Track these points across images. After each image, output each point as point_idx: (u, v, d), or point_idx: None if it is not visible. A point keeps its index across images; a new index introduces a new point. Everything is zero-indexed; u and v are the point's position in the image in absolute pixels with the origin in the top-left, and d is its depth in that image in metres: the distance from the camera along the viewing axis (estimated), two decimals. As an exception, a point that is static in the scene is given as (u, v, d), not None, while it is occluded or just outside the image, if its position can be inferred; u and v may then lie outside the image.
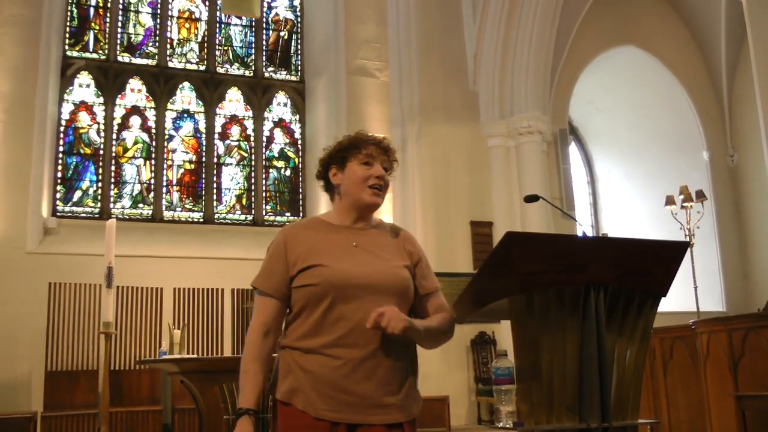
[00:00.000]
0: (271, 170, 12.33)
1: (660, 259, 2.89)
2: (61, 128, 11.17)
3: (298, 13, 13.14)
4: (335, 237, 2.84)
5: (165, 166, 11.70)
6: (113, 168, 11.39)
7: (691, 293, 11.29)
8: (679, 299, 10.86)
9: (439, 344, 2.94)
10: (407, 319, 2.63)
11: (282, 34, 13.00)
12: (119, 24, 11.89)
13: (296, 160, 12.50)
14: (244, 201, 12.12)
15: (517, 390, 2.83)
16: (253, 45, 12.74)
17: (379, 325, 2.57)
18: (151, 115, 11.77)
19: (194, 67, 12.25)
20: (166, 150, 11.75)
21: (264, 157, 12.31)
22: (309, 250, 2.77)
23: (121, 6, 11.95)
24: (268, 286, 2.78)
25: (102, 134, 11.40)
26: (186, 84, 12.11)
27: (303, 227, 2.89)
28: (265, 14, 12.79)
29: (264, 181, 12.23)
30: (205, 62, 12.32)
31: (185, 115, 12.02)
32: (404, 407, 2.74)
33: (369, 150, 2.88)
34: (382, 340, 2.67)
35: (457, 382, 10.45)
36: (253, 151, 12.30)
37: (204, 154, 11.97)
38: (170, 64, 12.07)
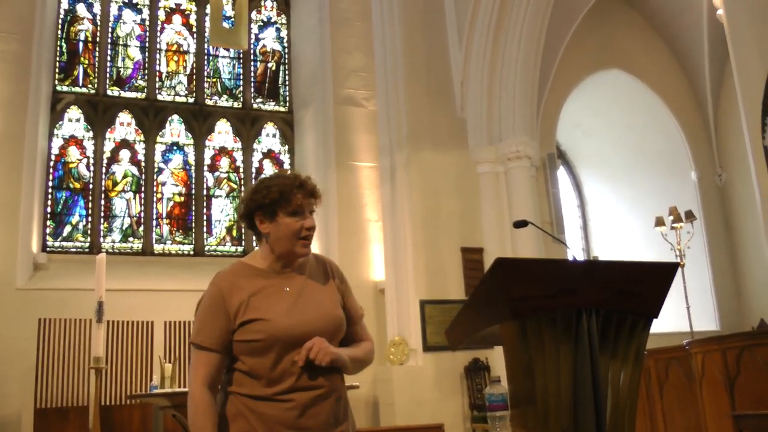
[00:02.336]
0: (261, 201, 12.30)
1: (650, 281, 2.89)
2: (51, 163, 11.18)
3: (286, 45, 13.21)
4: (267, 284, 2.85)
5: (155, 199, 11.70)
6: (103, 202, 11.38)
7: (684, 313, 11.30)
8: (672, 319, 10.89)
9: (360, 370, 3.01)
10: (334, 352, 2.76)
11: (270, 65, 13.05)
12: (108, 58, 11.93)
13: (286, 190, 12.48)
14: (234, 233, 12.11)
15: (512, 416, 2.81)
16: (242, 77, 12.79)
17: (307, 358, 2.71)
18: (140, 148, 11.78)
19: (183, 99, 12.28)
20: (155, 183, 11.75)
21: (253, 188, 12.29)
22: (247, 300, 2.78)
23: (109, 40, 12.01)
24: (210, 341, 2.76)
25: (92, 168, 11.40)
26: (175, 116, 12.14)
27: (234, 276, 2.87)
28: (252, 46, 12.86)
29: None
30: (194, 94, 12.36)
31: (174, 148, 12.03)
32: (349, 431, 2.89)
33: (298, 200, 2.85)
34: (327, 379, 2.78)
35: (451, 409, 10.39)
36: (242, 182, 12.30)
37: (193, 186, 11.97)
38: (159, 97, 12.11)
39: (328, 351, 2.73)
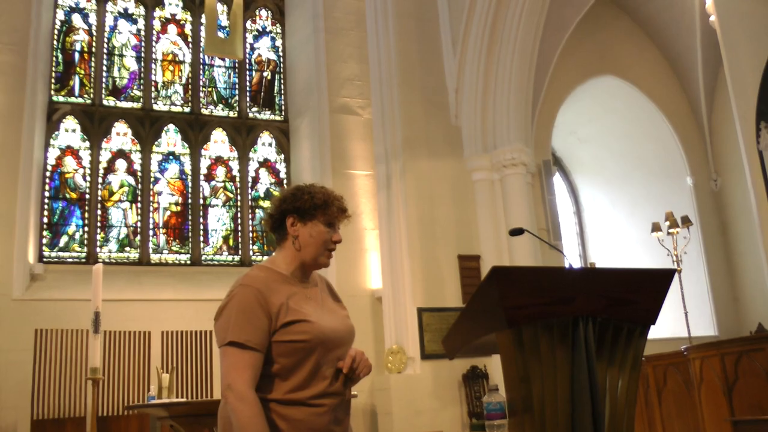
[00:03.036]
0: (257, 210, 12.33)
1: (647, 288, 2.89)
2: (47, 173, 11.16)
3: (281, 54, 13.22)
4: (296, 290, 2.87)
5: (151, 208, 11.69)
6: (99, 212, 11.37)
7: (681, 319, 11.31)
8: (669, 325, 10.91)
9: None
10: (370, 364, 2.87)
11: (265, 74, 13.06)
12: (104, 68, 11.93)
13: (282, 199, 12.47)
14: (230, 242, 12.10)
15: (510, 424, 2.81)
16: (237, 86, 12.80)
17: (350, 368, 2.78)
18: (136, 158, 11.78)
19: (179, 109, 12.28)
20: (152, 193, 11.74)
21: (250, 197, 12.31)
22: (287, 303, 2.78)
23: (105, 50, 12.01)
24: (255, 340, 2.69)
25: (88, 178, 11.39)
26: (171, 126, 12.13)
27: (268, 280, 2.83)
28: (248, 55, 12.88)
29: (250, 222, 12.22)
30: (190, 104, 12.36)
31: (171, 158, 12.03)
32: None
33: (334, 212, 2.92)
34: (348, 388, 2.87)
35: (450, 417, 10.38)
36: (238, 191, 12.30)
37: (190, 195, 11.96)
38: (155, 107, 12.11)
39: (368, 363, 2.84)
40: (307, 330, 2.74)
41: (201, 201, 12.03)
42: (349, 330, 2.92)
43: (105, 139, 11.66)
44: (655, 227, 12.11)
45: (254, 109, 12.82)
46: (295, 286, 2.87)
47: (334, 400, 2.78)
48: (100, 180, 11.48)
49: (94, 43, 11.98)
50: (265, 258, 11.73)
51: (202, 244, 11.86)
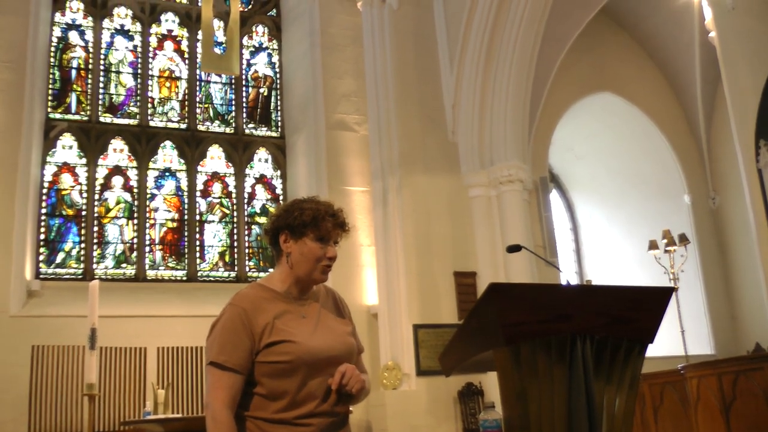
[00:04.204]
0: (253, 226, 12.32)
1: (645, 306, 2.88)
2: (44, 190, 11.16)
3: (277, 70, 13.24)
4: (288, 308, 2.84)
5: (147, 225, 11.68)
6: (96, 228, 11.35)
7: (678, 337, 11.29)
8: (666, 343, 10.85)
9: (359, 402, 2.99)
10: (363, 379, 2.79)
11: (261, 90, 13.08)
12: (101, 85, 11.94)
13: (279, 215, 12.47)
14: (227, 258, 12.09)
15: (507, 442, 2.80)
16: (234, 102, 12.81)
17: (339, 384, 2.71)
18: (133, 174, 11.77)
19: (175, 125, 12.29)
20: (148, 209, 11.73)
21: (246, 213, 12.30)
22: (272, 322, 2.76)
23: (102, 67, 12.02)
24: (233, 361, 2.70)
25: (84, 195, 11.38)
26: (168, 142, 12.14)
27: (256, 297, 2.84)
28: (244, 72, 12.89)
29: (246, 238, 12.21)
30: (186, 120, 12.36)
31: (167, 174, 12.02)
32: None
33: (327, 227, 2.86)
34: (343, 406, 2.80)
35: (446, 434, 10.36)
36: (235, 207, 12.29)
37: (186, 212, 11.96)
38: (152, 123, 12.11)
39: (359, 378, 2.76)
40: (290, 351, 2.71)
41: (197, 217, 12.02)
42: (345, 348, 2.86)
43: (102, 156, 11.66)
44: (652, 245, 12.10)
45: (251, 125, 12.83)
46: (288, 304, 2.85)
47: (324, 420, 2.73)
48: (96, 196, 11.47)
49: (90, 60, 11.99)
50: (262, 274, 11.74)
51: (198, 260, 11.84)
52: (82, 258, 11.16)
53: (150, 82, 12.31)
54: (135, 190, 11.73)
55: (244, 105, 12.89)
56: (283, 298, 2.86)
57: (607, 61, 14.28)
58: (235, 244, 12.15)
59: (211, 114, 12.65)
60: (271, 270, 11.77)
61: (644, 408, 8.45)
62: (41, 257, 10.94)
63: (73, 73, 11.86)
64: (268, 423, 2.70)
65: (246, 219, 12.29)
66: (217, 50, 11.09)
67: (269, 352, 2.71)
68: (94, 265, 11.20)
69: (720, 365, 7.39)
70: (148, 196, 11.79)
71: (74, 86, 11.81)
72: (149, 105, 12.20)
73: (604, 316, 2.78)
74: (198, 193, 12.13)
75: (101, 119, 11.81)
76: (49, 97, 11.57)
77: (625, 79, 14.41)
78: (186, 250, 11.81)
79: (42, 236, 11.01)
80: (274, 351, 2.71)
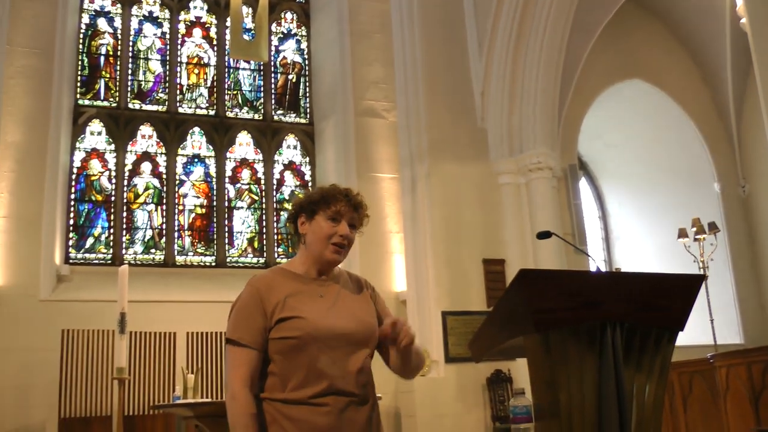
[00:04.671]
0: (282, 213, 12.34)
1: (676, 294, 2.86)
2: (73, 176, 11.24)
3: (306, 57, 13.24)
4: (304, 288, 2.88)
5: (176, 211, 11.73)
6: (125, 214, 11.42)
7: (707, 326, 11.20)
8: (695, 332, 10.76)
9: (416, 371, 3.01)
10: (413, 335, 2.82)
11: (290, 77, 13.08)
12: (129, 71, 12.00)
13: (307, 202, 12.48)
14: (255, 244, 12.13)
15: (536, 428, 2.79)
16: (262, 89, 12.83)
17: (391, 334, 2.76)
18: (161, 160, 11.83)
19: (204, 112, 12.32)
20: (177, 195, 11.79)
21: (275, 199, 12.33)
22: (284, 300, 2.81)
23: (130, 54, 12.07)
24: (249, 338, 2.78)
25: (113, 181, 11.46)
26: (196, 129, 12.18)
27: (271, 278, 2.91)
28: (273, 58, 12.89)
29: (275, 224, 12.24)
30: (215, 107, 12.40)
31: (196, 160, 12.07)
32: None
33: (338, 207, 2.89)
34: (360, 387, 2.79)
35: (474, 421, 10.36)
36: (263, 194, 12.32)
37: (215, 198, 12.00)
38: (180, 110, 12.15)
39: (411, 333, 2.80)
40: (299, 326, 2.75)
41: (226, 203, 12.06)
42: (363, 328, 2.86)
43: (130, 142, 11.73)
44: (682, 233, 12.00)
45: (279, 111, 12.84)
46: (306, 284, 2.89)
47: (341, 400, 2.74)
48: (125, 182, 11.54)
49: (119, 47, 12.04)
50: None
51: (227, 246, 11.89)
52: (111, 243, 11.23)
53: (178, 69, 12.35)
54: (164, 176, 11.79)
55: (273, 92, 12.90)
56: (301, 279, 2.90)
57: (637, 48, 14.16)
58: (264, 230, 12.18)
59: (240, 100, 12.67)
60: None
61: (673, 397, 8.42)
62: (71, 242, 11.03)
63: (102, 59, 11.92)
64: (284, 404, 2.73)
65: (275, 205, 12.32)
66: (245, 37, 11.12)
67: (280, 328, 2.77)
68: (123, 251, 11.28)
69: (749, 354, 7.34)
70: (177, 182, 11.84)
71: (103, 73, 11.87)
72: (178, 92, 12.24)
73: (634, 303, 2.77)
74: (227, 180, 12.17)
75: (130, 106, 11.87)
76: (78, 84, 11.64)
77: (655, 66, 14.29)
78: (215, 236, 11.87)
79: (71, 222, 11.10)
80: (284, 327, 2.76)
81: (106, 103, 11.73)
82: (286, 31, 13.28)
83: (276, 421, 2.74)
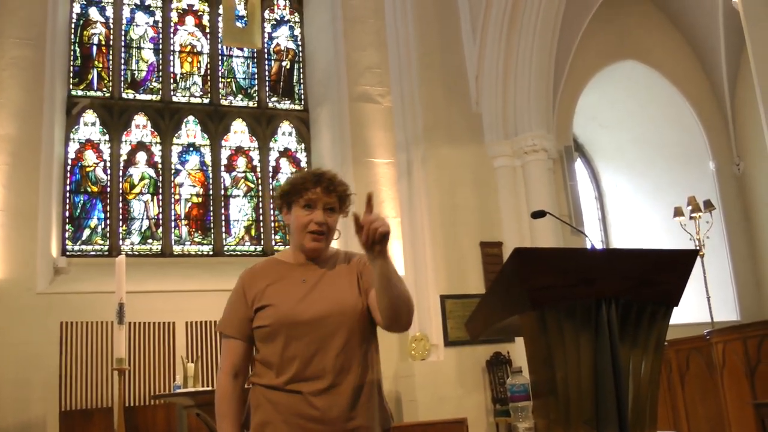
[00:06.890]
0: (278, 200, 12.31)
1: (670, 269, 2.87)
2: (68, 167, 11.22)
3: (299, 43, 13.21)
4: (287, 275, 2.91)
5: (172, 200, 11.73)
6: (121, 205, 11.42)
7: (704, 304, 11.25)
8: (692, 310, 10.84)
9: (399, 310, 2.81)
10: (388, 225, 2.69)
11: (284, 64, 13.06)
12: (122, 61, 11.96)
13: (303, 188, 12.48)
14: (252, 232, 12.13)
15: (534, 406, 2.81)
16: (256, 76, 12.80)
17: (367, 226, 2.62)
18: (156, 150, 11.81)
19: (198, 100, 12.30)
20: (173, 184, 11.78)
21: (271, 187, 12.31)
22: (263, 290, 2.87)
23: (123, 43, 12.04)
24: (232, 329, 2.90)
25: (108, 171, 11.44)
26: (191, 118, 12.16)
27: (260, 268, 2.98)
28: (266, 45, 12.85)
29: (272, 212, 12.23)
30: (209, 95, 12.38)
31: (191, 149, 12.06)
32: (371, 428, 2.89)
33: (309, 195, 2.87)
34: (339, 369, 2.78)
35: (474, 403, 10.40)
36: (259, 181, 12.32)
37: (211, 186, 12.00)
38: (174, 99, 12.13)
39: (386, 223, 2.68)
40: (270, 314, 2.82)
41: (222, 192, 12.05)
42: (338, 309, 2.82)
43: (125, 132, 11.71)
44: (678, 212, 12.03)
45: (274, 98, 12.83)
46: (291, 270, 2.92)
47: (312, 385, 2.76)
48: (120, 173, 11.52)
49: (111, 36, 12.00)
50: (287, 247, 11.83)
51: (224, 235, 11.90)
52: (107, 234, 11.23)
53: (171, 58, 12.31)
54: (159, 166, 11.77)
55: (267, 79, 12.88)
56: (288, 266, 2.94)
57: (631, 29, 14.16)
58: (261, 218, 12.19)
59: (234, 88, 12.65)
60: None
61: (671, 374, 8.46)
62: (67, 234, 11.02)
63: (94, 49, 11.88)
64: (267, 390, 2.81)
65: (271, 193, 12.31)
66: (238, 24, 11.10)
67: (258, 317, 2.85)
68: (120, 241, 11.28)
69: (745, 329, 7.39)
70: (173, 171, 11.83)
71: (95, 63, 11.83)
72: (171, 80, 12.21)
73: (629, 279, 2.77)
74: (222, 168, 12.16)
75: (123, 95, 11.85)
76: (71, 75, 11.60)
77: (649, 46, 14.30)
78: (212, 225, 11.87)
79: (67, 213, 11.09)
80: (260, 316, 2.84)
81: (99, 94, 11.70)
82: (279, 18, 13.24)
83: (261, 405, 2.82)
